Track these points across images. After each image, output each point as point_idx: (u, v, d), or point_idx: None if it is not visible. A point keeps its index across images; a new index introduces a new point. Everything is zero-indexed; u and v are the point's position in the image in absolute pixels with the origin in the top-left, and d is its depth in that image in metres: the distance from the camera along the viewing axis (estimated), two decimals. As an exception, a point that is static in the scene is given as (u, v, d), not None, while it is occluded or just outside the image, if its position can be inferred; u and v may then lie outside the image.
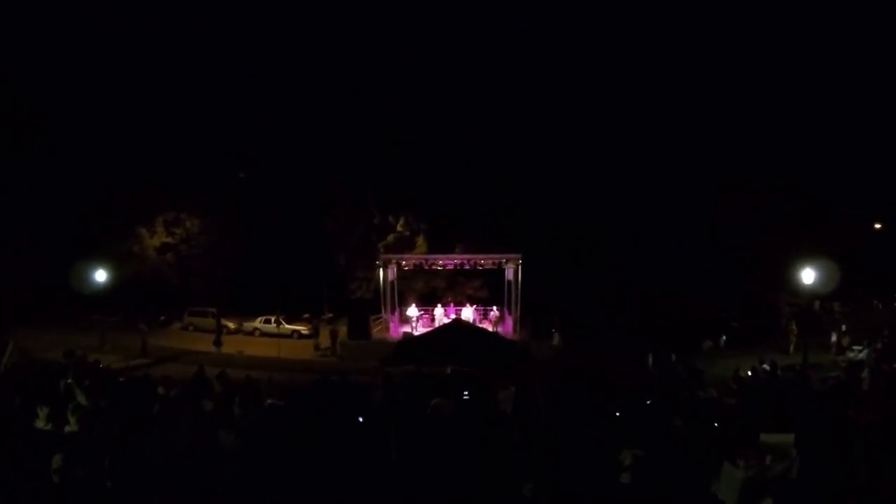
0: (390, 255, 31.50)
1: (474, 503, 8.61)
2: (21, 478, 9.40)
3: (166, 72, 42.84)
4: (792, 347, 26.82)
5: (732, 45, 45.37)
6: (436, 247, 35.92)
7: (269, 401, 13.36)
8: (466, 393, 13.07)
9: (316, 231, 38.61)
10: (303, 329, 34.72)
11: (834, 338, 28.49)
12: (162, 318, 38.79)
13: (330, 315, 40.07)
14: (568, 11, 48.47)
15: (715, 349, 30.15)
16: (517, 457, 9.83)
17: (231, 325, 36.18)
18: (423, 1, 45.55)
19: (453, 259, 31.99)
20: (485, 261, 31.56)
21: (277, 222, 41.02)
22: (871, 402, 14.78)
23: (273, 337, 32.41)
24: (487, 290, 36.47)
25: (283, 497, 8.96)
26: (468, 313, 31.54)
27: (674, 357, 24.57)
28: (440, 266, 32.55)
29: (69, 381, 16.04)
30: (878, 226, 48.19)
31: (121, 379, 18.41)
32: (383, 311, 31.38)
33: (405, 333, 29.98)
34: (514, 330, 30.92)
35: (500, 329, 31.04)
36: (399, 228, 36.08)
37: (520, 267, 29.55)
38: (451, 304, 34.13)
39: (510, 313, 32.19)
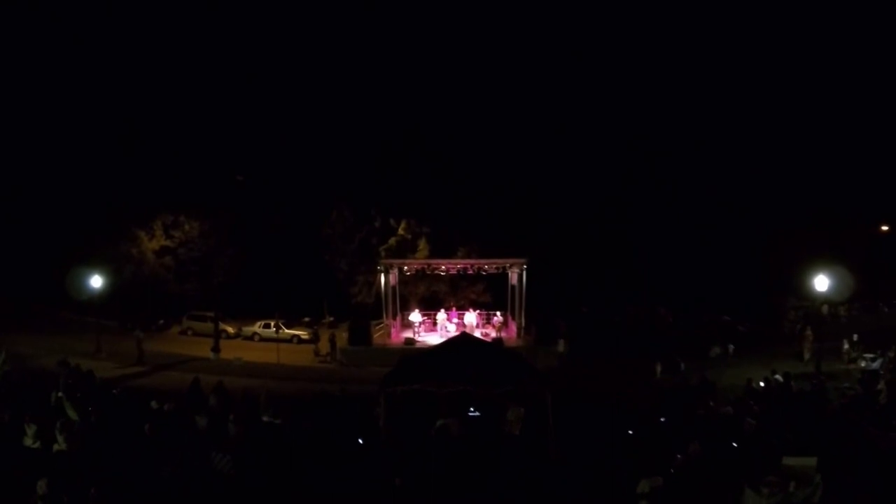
0: (392, 260, 30.92)
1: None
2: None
3: (167, 74, 42.52)
4: (807, 354, 26.11)
5: (737, 45, 44.82)
6: (438, 250, 35.32)
7: (265, 418, 12.77)
8: (473, 409, 12.47)
9: (316, 234, 38.07)
10: (303, 334, 34.19)
11: (846, 345, 27.84)
12: (161, 322, 38.30)
13: (331, 319, 39.59)
14: (572, 13, 47.87)
15: (723, 356, 29.51)
16: (527, 484, 9.23)
17: (230, 329, 35.74)
18: (426, 5, 44.95)
19: (456, 264, 31.39)
20: (488, 265, 30.96)
21: (277, 225, 40.53)
22: (891, 419, 14.14)
23: (272, 342, 31.84)
24: (491, 294, 35.89)
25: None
26: (471, 318, 30.97)
27: (683, 366, 24.03)
28: (443, 271, 31.96)
29: (60, 394, 15.48)
30: (884, 228, 47.51)
31: (114, 391, 17.84)
32: (384, 316, 30.81)
33: (407, 339, 29.43)
34: (518, 335, 30.36)
35: (503, 334, 30.52)
36: (401, 232, 35.48)
37: (524, 272, 28.93)
38: (454, 309, 33.58)
39: (513, 318, 31.62)
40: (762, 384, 19.45)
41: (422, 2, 45.89)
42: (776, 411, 15.59)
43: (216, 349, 29.29)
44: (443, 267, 31.35)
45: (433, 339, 30.34)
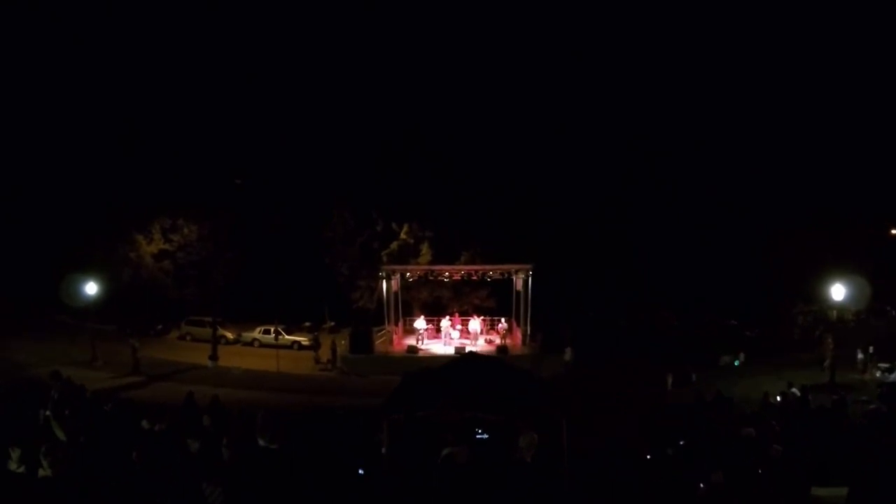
0: (394, 266, 30.19)
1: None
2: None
3: (166, 74, 41.95)
4: (827, 362, 25.34)
5: (737, 45, 44.14)
6: (441, 255, 34.59)
7: (261, 442, 12.08)
8: (480, 431, 11.73)
9: (317, 237, 37.41)
10: (303, 340, 33.54)
11: (860, 355, 27.08)
12: (159, 327, 37.73)
13: (332, 324, 38.98)
14: (572, 13, 47.20)
15: (734, 365, 28.80)
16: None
17: (230, 335, 35.14)
18: (429, 6, 44.30)
19: (460, 270, 30.66)
20: (493, 271, 30.25)
21: (277, 225, 39.92)
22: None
23: (272, 348, 31.16)
24: (495, 299, 35.18)
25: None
26: (475, 325, 30.29)
27: (694, 377, 23.34)
28: (446, 277, 31.25)
29: (47, 412, 14.85)
30: (894, 231, 46.66)
31: (106, 407, 17.15)
32: (386, 322, 30.11)
33: (410, 347, 28.75)
34: (524, 342, 29.67)
35: (507, 341, 29.83)
36: (403, 236, 34.74)
37: (530, 277, 28.21)
38: (457, 315, 32.91)
39: (518, 325, 30.93)
40: (779, 398, 18.72)
41: (422, 2, 45.19)
42: (796, 430, 14.90)
43: (214, 357, 28.65)
44: (446, 273, 30.60)
45: (436, 346, 29.73)
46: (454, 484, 9.42)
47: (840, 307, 37.15)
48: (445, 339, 30.07)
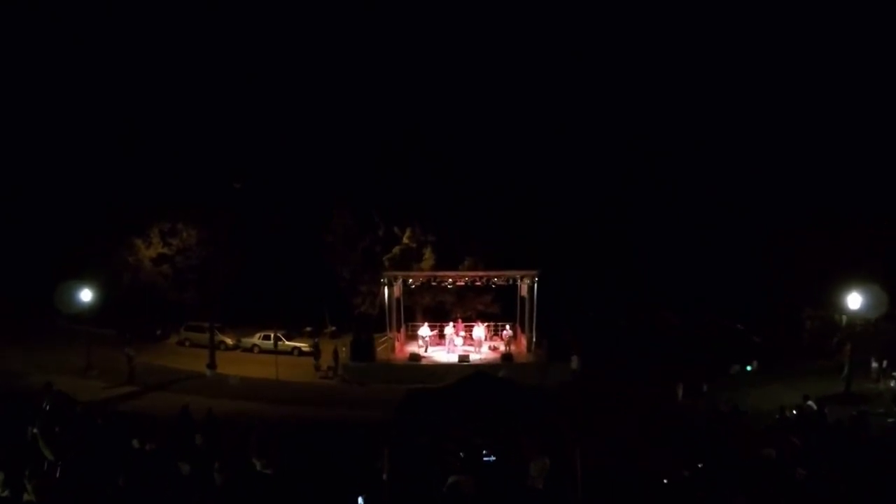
0: (396, 272, 29.51)
1: None
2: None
3: (165, 77, 41.37)
4: (845, 371, 24.63)
5: (737, 45, 43.52)
6: (444, 259, 33.90)
7: (256, 465, 11.46)
8: (487, 453, 11.09)
9: (318, 240, 36.78)
10: (304, 346, 32.88)
11: (874, 364, 26.38)
12: (158, 332, 37.15)
13: (333, 329, 38.39)
14: (572, 13, 46.65)
15: (745, 373, 28.09)
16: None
17: (229, 340, 34.55)
18: (432, 6, 43.73)
19: (464, 276, 30.00)
20: (498, 277, 29.58)
21: (278, 229, 39.36)
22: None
23: (273, 354, 30.51)
24: (499, 305, 34.49)
25: None
26: (479, 332, 29.64)
27: (706, 388, 22.67)
28: (450, 283, 30.60)
29: (35, 430, 14.25)
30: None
31: (98, 421, 16.54)
32: (388, 329, 29.46)
33: (412, 355, 28.10)
34: (529, 349, 28.99)
35: (512, 348, 29.17)
36: (405, 241, 34.04)
37: (535, 284, 27.54)
38: (461, 321, 32.28)
39: (523, 331, 30.28)
40: (795, 412, 18.07)
41: (422, 2, 44.65)
42: (814, 447, 14.25)
43: (212, 365, 28.02)
44: (450, 279, 29.93)
45: (440, 353, 29.09)
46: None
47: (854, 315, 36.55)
48: (449, 346, 29.45)
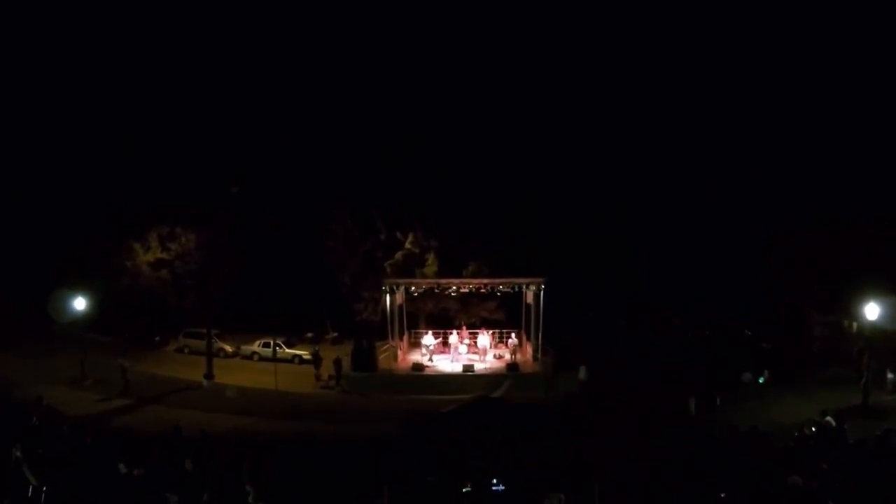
0: (398, 280, 28.75)
1: None
2: None
3: (165, 77, 40.80)
4: (866, 378, 23.81)
5: (737, 45, 42.86)
6: (447, 264, 33.15)
7: (249, 498, 10.74)
8: (496, 482, 10.35)
9: (319, 244, 36.12)
10: (304, 353, 32.19)
11: (889, 374, 25.57)
12: (157, 338, 36.58)
13: (335, 335, 37.74)
14: (572, 13, 45.99)
15: (757, 383, 27.29)
16: None
17: (228, 347, 33.99)
18: (432, 6, 43.07)
19: (468, 283, 29.22)
20: (504, 285, 28.80)
21: (279, 229, 38.77)
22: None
23: (272, 361, 29.80)
24: (504, 311, 33.75)
25: None
26: (484, 340, 28.91)
27: (718, 401, 21.90)
28: (454, 291, 29.83)
29: (19, 453, 13.56)
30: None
31: (87, 440, 15.87)
32: (390, 337, 28.72)
33: (415, 365, 27.35)
34: (535, 358, 28.24)
35: (517, 356, 28.41)
36: (408, 246, 33.29)
37: (542, 292, 26.77)
38: (465, 328, 31.60)
39: (528, 339, 29.53)
40: (814, 429, 17.26)
41: (422, 2, 44.04)
42: (837, 468, 13.48)
43: (209, 375, 27.33)
44: (453, 287, 29.16)
45: (444, 362, 28.37)
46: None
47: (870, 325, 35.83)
48: (453, 354, 28.74)
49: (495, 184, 35.58)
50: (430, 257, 33.24)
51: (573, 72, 43.75)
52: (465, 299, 32.81)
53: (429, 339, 28.96)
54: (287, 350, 32.68)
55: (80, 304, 26.91)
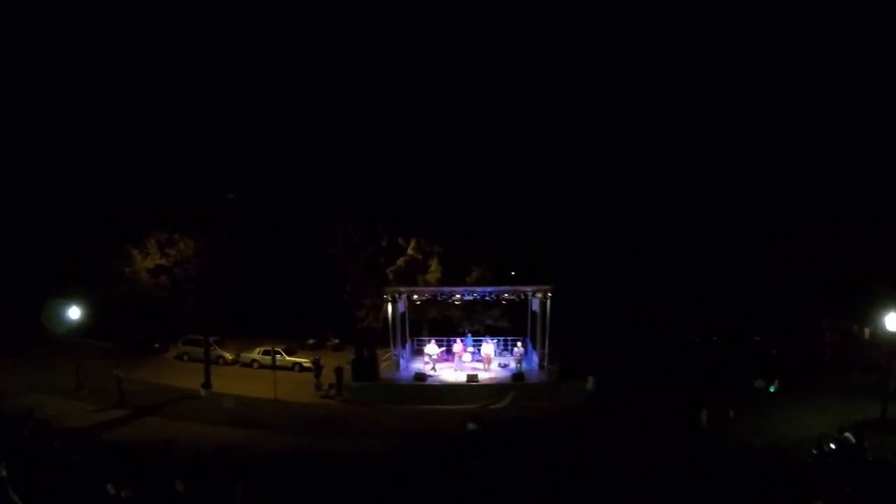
0: (399, 288, 28.03)
1: None
2: None
3: (164, 77, 40.46)
4: (893, 386, 23.04)
5: (737, 45, 42.41)
6: (451, 270, 32.49)
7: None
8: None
9: (320, 251, 35.51)
10: (304, 362, 31.57)
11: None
12: (156, 345, 36.02)
13: (336, 341, 37.14)
14: (572, 13, 45.65)
15: (768, 391, 26.54)
16: None
17: (228, 355, 33.39)
18: (432, 6, 42.75)
19: (472, 291, 28.51)
20: (509, 293, 28.10)
21: (279, 240, 38.24)
22: None
23: (272, 369, 29.16)
24: (508, 318, 33.07)
25: None
26: (488, 349, 28.22)
27: (731, 413, 21.18)
28: (457, 300, 29.14)
29: (4, 473, 13.00)
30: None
31: (77, 457, 15.29)
32: (392, 346, 28.07)
33: (417, 375, 26.63)
34: (541, 368, 27.53)
35: (523, 365, 27.69)
36: (410, 252, 32.62)
37: (548, 300, 26.06)
38: (469, 335, 30.97)
39: (534, 347, 28.84)
40: (832, 445, 16.55)
41: (422, 2, 43.72)
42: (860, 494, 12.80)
43: (207, 385, 26.72)
44: (457, 296, 28.45)
45: (447, 371, 27.68)
46: None
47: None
48: (457, 363, 28.09)
49: (495, 184, 35.14)
50: (434, 263, 32.57)
51: (573, 72, 43.49)
52: (469, 306, 32.14)
53: (432, 347, 28.29)
54: (287, 358, 32.04)
55: (73, 313, 26.29)
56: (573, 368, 26.08)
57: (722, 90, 42.03)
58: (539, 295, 26.52)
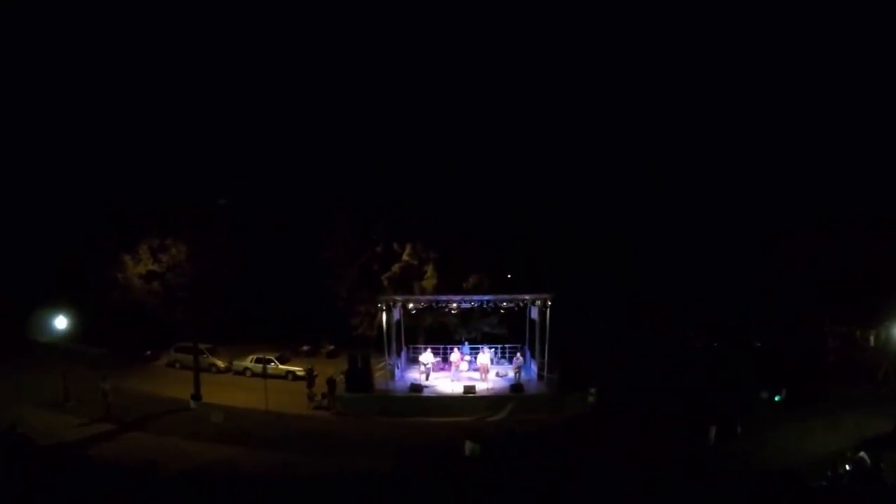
0: (394, 297, 27.22)
1: None
2: None
3: (163, 77, 39.95)
4: None
5: (737, 45, 42.03)
6: (447, 277, 31.71)
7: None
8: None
9: (315, 259, 34.81)
10: (298, 370, 30.84)
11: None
12: (148, 353, 35.41)
13: (331, 348, 36.43)
14: (572, 13, 45.20)
15: (774, 402, 25.84)
16: None
17: (220, 363, 32.78)
18: (432, 6, 42.24)
19: (469, 299, 27.76)
20: (507, 302, 27.35)
21: (276, 242, 37.56)
22: None
23: (267, 377, 28.38)
24: (506, 325, 32.36)
25: None
26: (485, 358, 27.46)
27: (739, 429, 20.48)
28: (454, 308, 28.40)
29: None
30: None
31: (56, 480, 14.57)
32: (386, 356, 27.31)
33: (413, 386, 25.89)
34: (540, 378, 26.79)
35: (522, 376, 26.93)
36: (406, 258, 31.84)
37: (548, 309, 25.32)
38: (466, 342, 30.24)
39: (533, 356, 28.12)
40: (847, 466, 15.87)
41: (422, 2, 43.25)
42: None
43: (196, 396, 25.98)
44: (454, 304, 27.70)
45: (443, 381, 26.95)
46: None
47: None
48: (454, 373, 27.35)
49: (495, 184, 34.57)
50: (429, 269, 31.80)
51: (573, 72, 43.08)
52: (466, 314, 31.40)
53: (427, 356, 27.56)
54: (280, 366, 31.31)
55: (61, 322, 25.59)
56: (574, 378, 25.36)
57: (722, 90, 41.77)
58: (538, 303, 25.79)
